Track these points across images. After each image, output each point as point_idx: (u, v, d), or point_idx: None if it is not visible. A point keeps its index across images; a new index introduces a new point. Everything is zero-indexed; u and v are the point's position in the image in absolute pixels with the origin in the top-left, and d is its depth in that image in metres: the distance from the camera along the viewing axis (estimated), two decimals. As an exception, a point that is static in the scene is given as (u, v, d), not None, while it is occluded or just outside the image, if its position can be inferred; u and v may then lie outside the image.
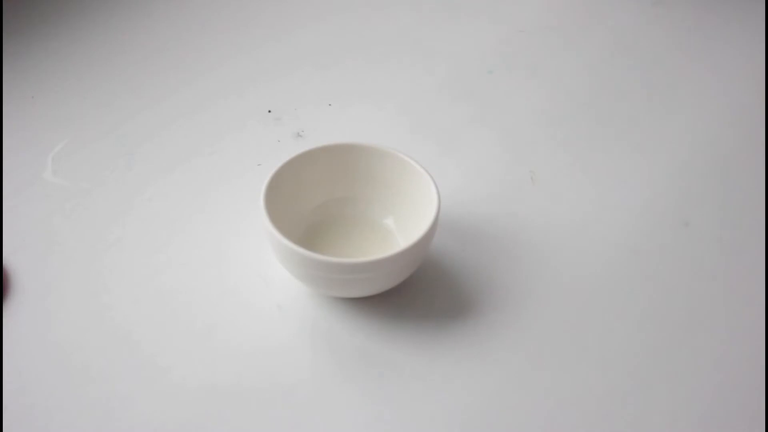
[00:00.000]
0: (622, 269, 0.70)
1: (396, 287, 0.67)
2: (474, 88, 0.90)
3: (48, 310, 0.66)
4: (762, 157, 0.79)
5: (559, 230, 0.73)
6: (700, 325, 0.67)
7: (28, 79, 0.85)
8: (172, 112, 0.83)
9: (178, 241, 0.72)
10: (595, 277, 0.69)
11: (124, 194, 0.75)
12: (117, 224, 0.73)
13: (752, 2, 1.03)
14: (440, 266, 0.69)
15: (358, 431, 0.59)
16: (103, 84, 0.86)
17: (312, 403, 0.61)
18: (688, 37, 0.98)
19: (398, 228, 0.69)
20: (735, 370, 0.63)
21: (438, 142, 0.82)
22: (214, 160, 0.79)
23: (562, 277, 0.69)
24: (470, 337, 0.65)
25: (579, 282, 0.69)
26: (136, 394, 0.61)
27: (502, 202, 0.76)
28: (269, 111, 0.84)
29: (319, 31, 0.95)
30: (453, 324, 0.65)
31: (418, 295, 0.67)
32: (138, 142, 0.80)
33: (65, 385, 0.61)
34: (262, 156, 0.78)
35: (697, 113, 0.85)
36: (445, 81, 0.90)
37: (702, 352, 0.64)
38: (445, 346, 0.64)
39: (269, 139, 0.81)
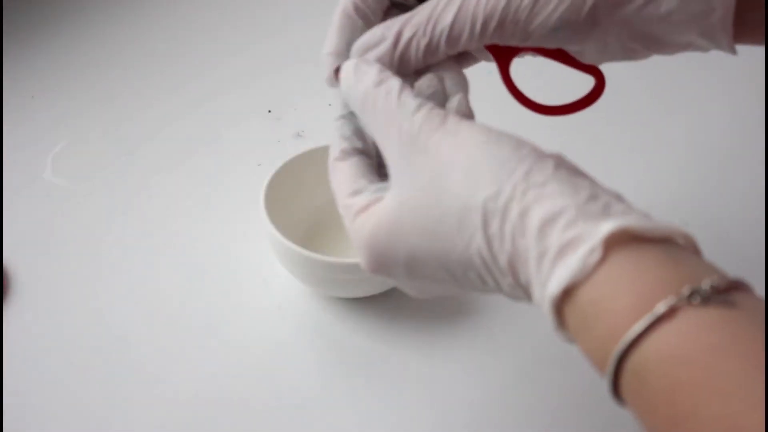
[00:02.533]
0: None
1: (397, 287, 0.67)
2: (473, 88, 0.89)
3: (48, 310, 0.66)
4: (762, 157, 0.79)
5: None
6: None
7: (28, 79, 0.85)
8: (172, 111, 0.83)
9: (178, 241, 0.71)
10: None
11: (124, 194, 0.75)
12: (117, 224, 0.73)
13: (752, 2, 1.03)
14: (440, 266, 0.69)
15: (359, 430, 0.59)
16: (103, 84, 0.85)
17: (313, 402, 0.61)
18: (687, 37, 0.98)
19: (398, 228, 0.69)
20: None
21: (438, 142, 0.82)
22: (214, 160, 0.79)
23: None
24: (472, 335, 0.65)
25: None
26: (136, 394, 0.61)
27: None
28: (269, 111, 0.84)
29: (319, 30, 0.95)
30: (454, 322, 0.65)
31: (419, 295, 0.67)
32: (138, 142, 0.80)
33: (65, 385, 0.61)
34: (262, 156, 0.78)
35: (697, 113, 0.85)
36: (444, 81, 0.90)
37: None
38: (446, 345, 0.64)
39: (269, 139, 0.81)
